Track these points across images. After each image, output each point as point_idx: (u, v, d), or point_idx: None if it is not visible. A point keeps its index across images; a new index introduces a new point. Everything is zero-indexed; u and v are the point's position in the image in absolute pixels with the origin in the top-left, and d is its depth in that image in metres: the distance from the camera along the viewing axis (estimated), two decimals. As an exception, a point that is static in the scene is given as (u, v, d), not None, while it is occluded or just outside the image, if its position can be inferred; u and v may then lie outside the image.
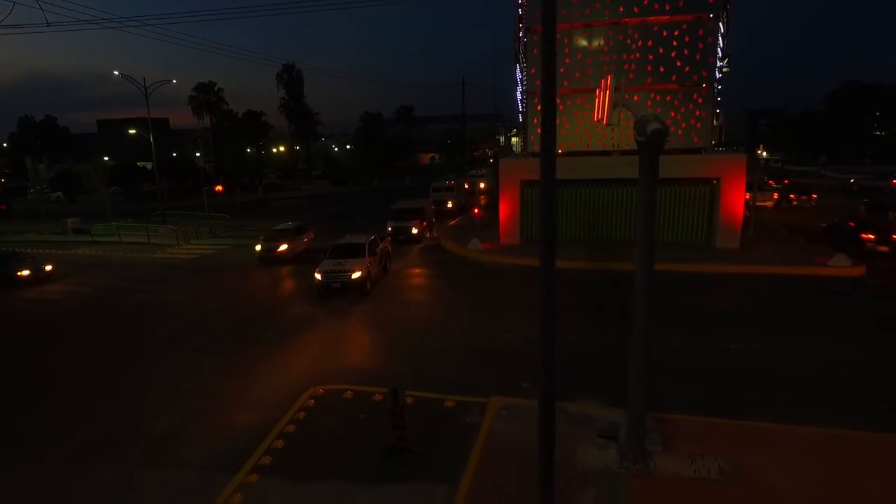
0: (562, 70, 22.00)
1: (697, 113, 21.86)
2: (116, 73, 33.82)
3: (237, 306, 17.84)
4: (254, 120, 67.37)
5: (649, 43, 21.66)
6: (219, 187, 52.14)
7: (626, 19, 21.70)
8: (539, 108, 5.04)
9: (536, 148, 23.72)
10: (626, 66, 21.66)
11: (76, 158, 75.74)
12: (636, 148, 7.60)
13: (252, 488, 8.23)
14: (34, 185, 65.48)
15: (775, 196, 34.90)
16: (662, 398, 9.75)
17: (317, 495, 8.03)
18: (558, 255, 5.34)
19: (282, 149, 76.00)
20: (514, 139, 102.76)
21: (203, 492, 8.16)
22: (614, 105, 8.83)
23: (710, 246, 22.13)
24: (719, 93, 23.06)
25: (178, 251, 28.54)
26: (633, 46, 21.83)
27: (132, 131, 42.50)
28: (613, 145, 22.45)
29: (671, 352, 12.08)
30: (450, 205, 36.69)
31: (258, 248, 23.81)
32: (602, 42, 22.16)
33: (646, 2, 21.21)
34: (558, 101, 18.69)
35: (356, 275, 17.87)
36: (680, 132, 21.64)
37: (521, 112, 25.65)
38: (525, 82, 24.16)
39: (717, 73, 21.83)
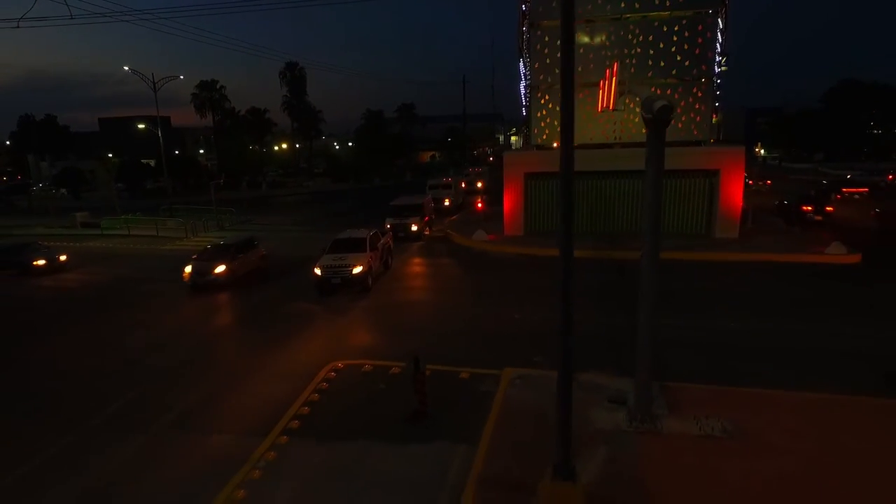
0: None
1: (697, 106, 22.47)
2: (126, 68, 34.24)
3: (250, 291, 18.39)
4: (257, 117, 67.72)
5: (650, 38, 22.27)
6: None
7: (628, 15, 22.33)
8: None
9: (540, 141, 24.51)
10: (627, 60, 22.22)
11: (78, 156, 76.05)
12: (637, 141, 8.14)
13: (284, 448, 8.77)
14: (36, 182, 65.92)
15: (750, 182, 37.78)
16: (667, 370, 10.27)
17: (345, 453, 8.56)
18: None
19: (284, 146, 76.40)
20: (513, 138, 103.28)
21: (238, 452, 8.68)
22: (621, 93, 9.37)
23: (710, 236, 22.71)
24: (718, 88, 23.66)
25: (186, 243, 28.97)
26: (634, 42, 22.45)
27: (141, 126, 42.82)
28: (616, 138, 22.98)
29: (674, 329, 12.56)
30: (447, 202, 35.09)
31: (187, 270, 19.10)
32: (604, 37, 22.77)
33: (647, -2, 21.81)
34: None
35: (357, 270, 17.26)
36: (680, 125, 22.19)
37: (525, 106, 26.15)
38: (528, 77, 24.71)
39: (716, 68, 22.43)
